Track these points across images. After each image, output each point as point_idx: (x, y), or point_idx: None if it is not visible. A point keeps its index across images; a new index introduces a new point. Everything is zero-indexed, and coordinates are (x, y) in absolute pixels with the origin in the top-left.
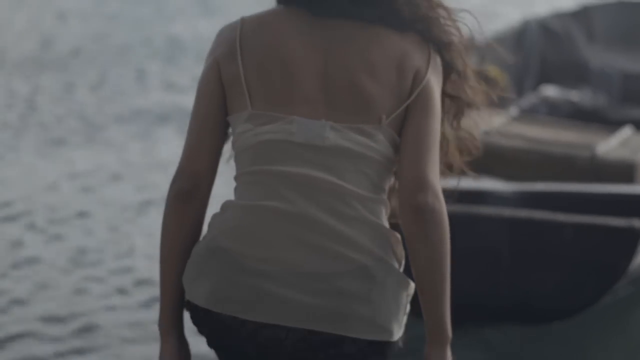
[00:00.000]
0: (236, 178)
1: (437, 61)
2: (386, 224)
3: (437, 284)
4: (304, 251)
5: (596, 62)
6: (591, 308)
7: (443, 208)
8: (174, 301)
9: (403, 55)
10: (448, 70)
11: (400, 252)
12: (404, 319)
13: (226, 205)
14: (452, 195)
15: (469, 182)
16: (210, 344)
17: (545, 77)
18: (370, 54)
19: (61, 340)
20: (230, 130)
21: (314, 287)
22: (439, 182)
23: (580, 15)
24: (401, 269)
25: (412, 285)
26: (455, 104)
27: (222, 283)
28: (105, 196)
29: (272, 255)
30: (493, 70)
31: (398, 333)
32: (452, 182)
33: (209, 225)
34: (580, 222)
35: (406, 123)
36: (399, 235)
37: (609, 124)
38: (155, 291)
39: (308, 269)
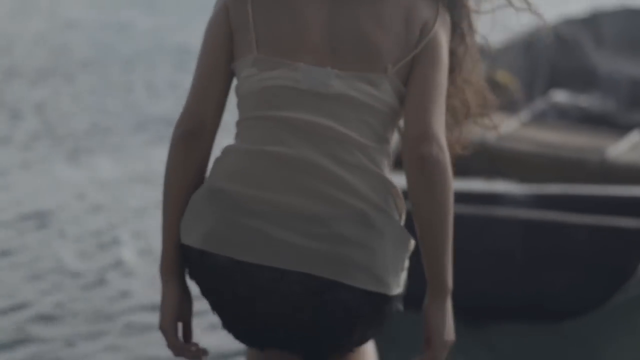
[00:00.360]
0: (238, 123)
1: (445, 17)
2: (388, 175)
3: (438, 236)
4: (303, 195)
5: (605, 67)
6: (602, 307)
7: (447, 160)
8: (176, 245)
9: (411, 7)
10: (455, 28)
11: (401, 204)
12: (403, 276)
13: (227, 150)
14: (466, 148)
15: (483, 185)
16: (202, 288)
17: (555, 82)
18: (378, 5)
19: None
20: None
21: (311, 231)
22: (444, 134)
23: (589, 21)
24: (401, 223)
25: (412, 242)
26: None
27: (219, 224)
28: (133, 204)
29: (270, 198)
30: (504, 75)
31: (395, 288)
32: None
33: (210, 170)
34: (592, 223)
35: (412, 74)
36: (399, 189)
37: (618, 128)
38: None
39: (307, 213)
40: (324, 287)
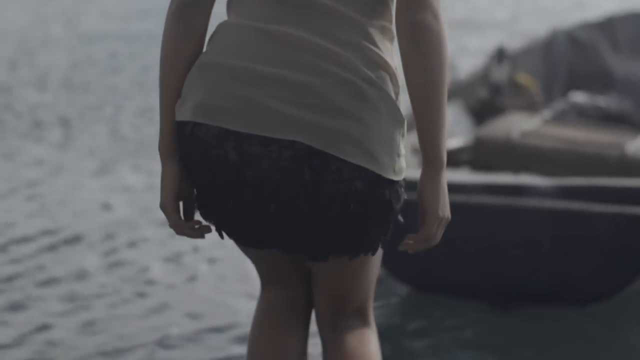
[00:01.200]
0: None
1: None
2: (384, 53)
3: (433, 107)
4: (295, 68)
5: (621, 70)
6: (624, 290)
7: (441, 28)
8: (174, 122)
9: None
10: None
11: (396, 83)
12: (400, 163)
13: (220, 26)
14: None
15: (511, 178)
16: (193, 167)
17: (573, 85)
18: None
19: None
20: None
21: (303, 100)
22: (439, 2)
23: (605, 25)
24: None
25: (405, 126)
26: None
27: (210, 93)
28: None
29: (262, 70)
30: (524, 78)
31: (390, 171)
32: None
33: (205, 48)
34: (613, 211)
35: None
36: (395, 67)
37: (635, 126)
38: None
39: (298, 83)
40: (313, 154)
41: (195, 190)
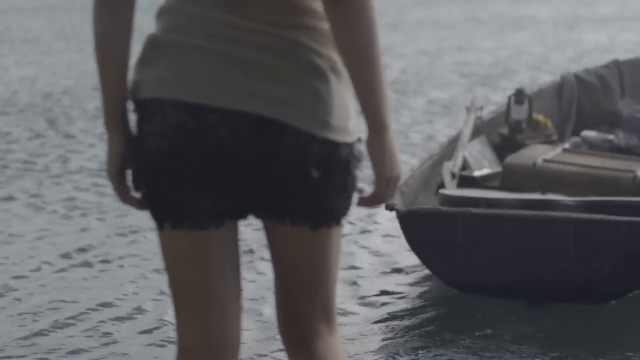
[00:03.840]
0: None
1: None
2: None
3: (367, 77)
4: (246, 44)
5: (627, 110)
6: None
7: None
8: (116, 99)
9: None
10: None
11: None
12: (351, 123)
13: (166, 8)
14: None
15: (539, 195)
16: (150, 140)
17: (583, 124)
18: None
19: None
20: None
21: (256, 73)
22: None
23: (612, 69)
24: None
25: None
26: None
27: (167, 69)
28: None
29: (215, 46)
30: (540, 117)
31: (342, 133)
32: None
33: (156, 27)
34: (629, 220)
35: None
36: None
37: None
38: None
39: (250, 57)
40: (268, 122)
41: (143, 167)
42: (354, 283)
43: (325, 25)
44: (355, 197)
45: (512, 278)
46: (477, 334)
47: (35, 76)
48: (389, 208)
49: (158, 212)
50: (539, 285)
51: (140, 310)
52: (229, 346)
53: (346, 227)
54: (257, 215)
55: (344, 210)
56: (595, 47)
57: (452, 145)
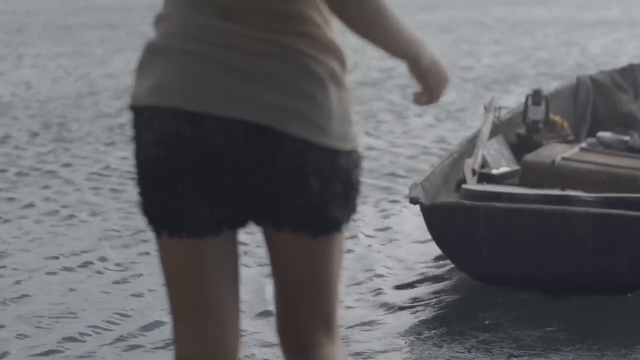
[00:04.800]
0: None
1: None
2: (325, 28)
3: (379, 38)
4: (241, 51)
5: None
6: None
7: None
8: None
9: None
10: None
11: (341, 56)
12: (351, 130)
13: (165, 15)
14: None
15: (559, 192)
16: (147, 147)
17: (598, 125)
18: None
19: None
20: None
21: (251, 79)
22: None
23: (627, 72)
24: (344, 74)
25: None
26: None
27: (162, 75)
28: None
29: (209, 52)
30: (556, 118)
31: (341, 140)
32: None
33: (154, 33)
34: None
35: None
36: (341, 46)
37: None
38: None
39: (246, 64)
40: (265, 130)
41: (140, 175)
42: (378, 291)
43: (322, 32)
44: (358, 203)
45: (533, 270)
46: (497, 324)
47: (31, 79)
48: (414, 202)
49: (155, 221)
50: (558, 278)
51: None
52: (227, 356)
53: (366, 237)
54: (257, 223)
55: (345, 218)
56: (602, 51)
57: (470, 144)
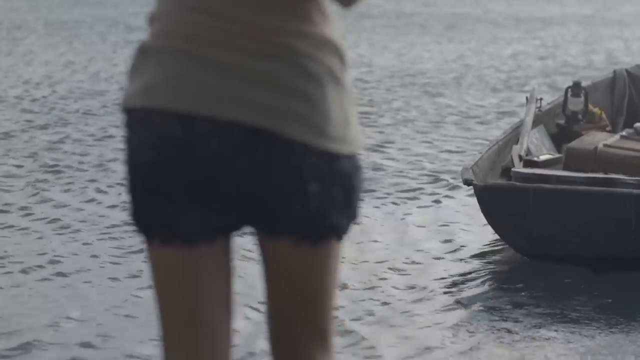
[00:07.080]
0: None
1: None
2: (324, 27)
3: None
4: (236, 50)
5: None
6: None
7: None
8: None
9: None
10: None
11: (340, 55)
12: (351, 132)
13: (159, 13)
14: None
15: (603, 175)
16: (139, 151)
17: (634, 117)
18: None
19: None
20: None
21: (246, 80)
22: None
23: None
24: (344, 76)
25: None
26: None
27: (155, 76)
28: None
29: (204, 52)
30: (595, 109)
31: (340, 142)
32: None
33: (148, 33)
34: None
35: None
36: (340, 44)
37: None
38: None
39: (241, 64)
40: (261, 132)
41: (131, 180)
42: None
43: (320, 29)
44: (359, 209)
45: (579, 248)
46: (544, 298)
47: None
48: (467, 183)
49: (147, 228)
50: (602, 255)
51: None
52: None
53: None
54: (252, 227)
55: (346, 225)
56: (620, 51)
57: (514, 133)
